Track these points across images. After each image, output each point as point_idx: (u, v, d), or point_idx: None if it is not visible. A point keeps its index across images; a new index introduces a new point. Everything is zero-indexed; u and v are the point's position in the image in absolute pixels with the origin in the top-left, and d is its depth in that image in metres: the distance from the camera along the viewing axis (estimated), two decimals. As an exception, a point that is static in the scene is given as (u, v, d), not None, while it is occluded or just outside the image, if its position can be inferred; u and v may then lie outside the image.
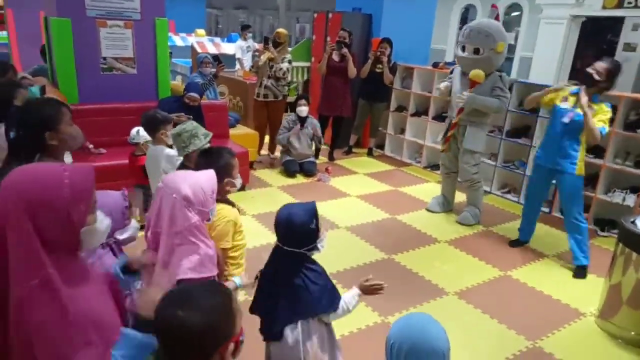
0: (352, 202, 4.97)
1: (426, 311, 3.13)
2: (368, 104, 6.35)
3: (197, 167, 2.15)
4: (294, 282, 1.84)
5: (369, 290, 2.03)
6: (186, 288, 1.18)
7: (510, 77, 4.62)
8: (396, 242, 4.10)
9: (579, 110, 3.45)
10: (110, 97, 4.67)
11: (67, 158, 3.90)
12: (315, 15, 7.03)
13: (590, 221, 4.54)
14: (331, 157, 6.31)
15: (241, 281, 2.07)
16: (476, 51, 4.14)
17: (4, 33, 10.96)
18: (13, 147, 1.92)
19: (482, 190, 4.61)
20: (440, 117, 5.94)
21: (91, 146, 4.36)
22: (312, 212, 1.86)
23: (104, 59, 4.64)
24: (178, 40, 9.53)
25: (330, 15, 6.71)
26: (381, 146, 6.81)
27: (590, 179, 4.52)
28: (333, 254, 3.76)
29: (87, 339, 1.18)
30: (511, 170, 5.26)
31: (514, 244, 4.16)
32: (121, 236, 1.86)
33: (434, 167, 6.11)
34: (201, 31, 10.52)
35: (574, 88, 3.58)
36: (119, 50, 4.71)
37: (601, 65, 3.42)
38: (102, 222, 1.30)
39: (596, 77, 3.40)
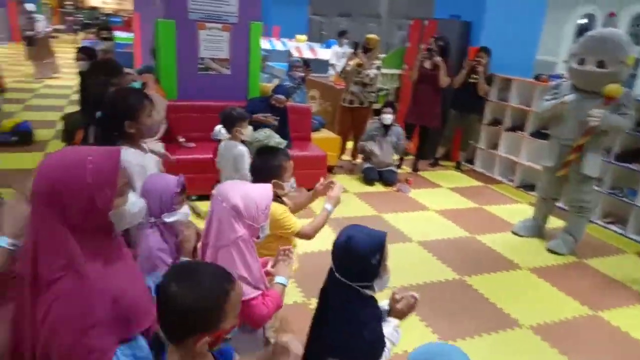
0: (430, 216, 4.74)
1: (494, 343, 2.88)
2: (459, 115, 6.05)
3: (252, 166, 2.18)
4: (342, 316, 1.62)
5: (404, 314, 1.76)
6: (196, 266, 1.23)
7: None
8: (471, 263, 3.82)
9: None
10: (205, 95, 4.94)
11: (158, 146, 4.21)
12: (411, 22, 6.86)
13: None
14: (415, 168, 6.09)
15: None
16: (600, 64, 3.65)
17: (130, 35, 12.20)
18: (98, 130, 2.10)
19: (587, 220, 4.12)
20: (538, 134, 5.46)
21: (182, 139, 4.65)
22: (378, 245, 1.60)
23: (202, 59, 4.93)
24: (278, 44, 9.88)
25: (426, 22, 6.51)
26: (471, 161, 6.44)
27: None
28: (400, 268, 3.62)
29: (107, 322, 1.19)
30: (619, 198, 4.66)
31: None
32: (168, 219, 1.90)
33: (527, 187, 5.63)
34: (302, 37, 10.81)
35: None
36: (216, 52, 4.98)
37: None
38: (134, 204, 1.32)
39: None
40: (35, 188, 1.17)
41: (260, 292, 1.70)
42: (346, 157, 6.12)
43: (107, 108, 2.14)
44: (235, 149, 3.04)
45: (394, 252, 3.81)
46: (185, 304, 1.09)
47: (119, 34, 12.27)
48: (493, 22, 6.21)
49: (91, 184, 1.17)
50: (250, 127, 3.12)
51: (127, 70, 4.53)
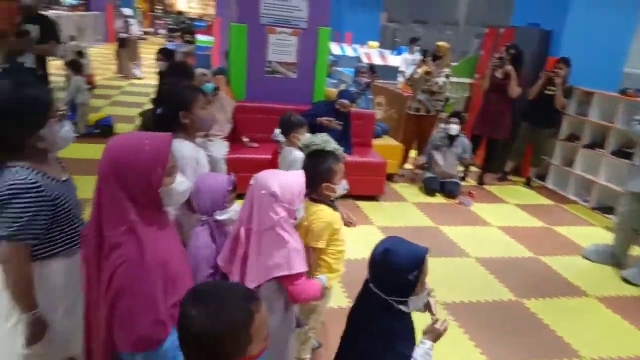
0: (491, 232, 4.53)
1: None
2: (532, 128, 5.72)
3: (303, 168, 2.20)
4: (375, 327, 1.58)
5: (440, 335, 1.67)
6: (221, 287, 1.18)
7: None
8: (532, 286, 3.60)
9: None
10: (271, 98, 5.07)
11: (223, 148, 4.38)
12: (487, 30, 6.61)
13: None
14: (481, 181, 5.85)
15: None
16: None
17: (211, 38, 12.83)
18: (157, 122, 2.25)
19: None
20: (621, 153, 5.04)
21: (246, 139, 4.80)
22: (417, 261, 1.53)
23: (269, 62, 5.07)
24: (349, 50, 9.93)
25: (501, 30, 6.24)
26: (543, 177, 6.07)
27: None
28: (452, 283, 3.51)
29: (159, 281, 1.37)
30: None
31: None
32: (220, 217, 1.97)
33: (605, 209, 5.21)
34: (373, 43, 10.77)
35: None
36: (283, 56, 5.11)
37: None
38: (182, 184, 1.50)
39: None
40: (102, 164, 1.35)
41: (303, 270, 1.79)
42: (408, 165, 6.01)
43: (164, 101, 2.30)
44: (291, 155, 3.09)
45: (447, 266, 3.73)
46: (207, 329, 1.01)
47: (200, 38, 12.92)
48: (575, 31, 5.83)
49: (146, 162, 1.35)
50: (307, 134, 3.15)
51: (203, 71, 4.77)
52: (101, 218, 1.35)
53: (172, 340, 1.34)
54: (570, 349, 2.90)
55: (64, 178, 1.69)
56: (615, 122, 5.12)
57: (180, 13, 20.65)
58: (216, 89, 4.59)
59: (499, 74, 5.50)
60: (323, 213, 2.12)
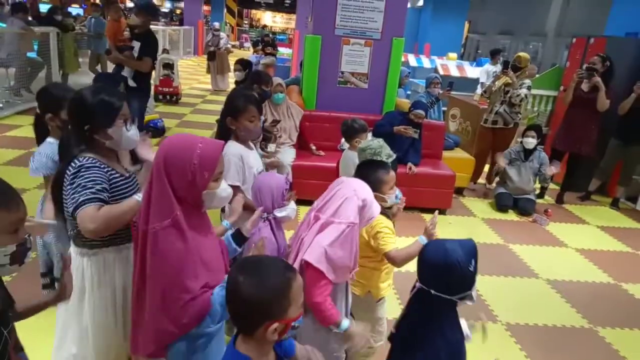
0: (567, 253, 4.23)
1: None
2: (623, 145, 5.27)
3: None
4: (432, 341, 1.61)
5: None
6: (262, 259, 1.30)
7: None
8: (609, 314, 3.31)
9: None
10: (342, 107, 5.15)
11: (290, 154, 4.53)
12: (574, 40, 6.23)
13: None
14: (560, 200, 5.48)
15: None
16: None
17: (290, 50, 13.26)
18: (218, 128, 2.42)
19: None
20: None
21: (313, 147, 4.92)
22: (473, 251, 1.60)
23: (342, 72, 5.17)
24: (426, 61, 9.81)
25: (591, 40, 5.85)
26: (633, 199, 5.55)
27: None
28: (516, 303, 3.35)
29: (196, 272, 1.45)
30: None
31: None
32: (279, 214, 2.07)
33: None
34: (453, 55, 10.55)
35: None
36: (356, 66, 5.18)
37: None
38: (225, 190, 1.56)
39: None
40: (157, 159, 1.46)
41: (330, 277, 1.71)
42: (481, 180, 5.79)
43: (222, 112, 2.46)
44: (352, 160, 3.13)
45: (514, 286, 3.59)
46: (252, 293, 1.15)
47: (282, 50, 13.41)
48: (677, 41, 5.32)
49: (196, 164, 1.43)
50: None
51: (279, 81, 4.97)
52: (149, 209, 1.44)
53: (218, 295, 1.46)
54: (648, 385, 2.64)
55: (127, 174, 1.81)
56: None
57: (264, 27, 21.62)
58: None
59: (585, 87, 5.16)
60: (378, 220, 2.12)
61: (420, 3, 14.76)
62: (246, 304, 1.17)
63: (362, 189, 1.79)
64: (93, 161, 1.68)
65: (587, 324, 3.18)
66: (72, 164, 1.66)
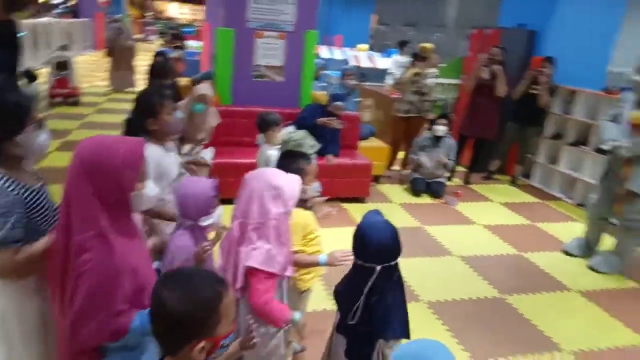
0: (476, 230, 4.58)
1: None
2: (518, 127, 5.80)
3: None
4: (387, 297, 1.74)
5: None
6: (189, 271, 1.23)
7: None
8: (515, 282, 3.65)
9: None
10: (258, 102, 5.09)
11: (208, 153, 4.40)
12: (473, 31, 6.69)
13: None
14: (467, 181, 5.91)
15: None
16: None
17: (201, 43, 12.86)
18: (127, 128, 2.29)
19: (636, 240, 3.85)
20: (603, 150, 5.10)
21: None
22: (391, 228, 1.77)
23: (257, 66, 5.12)
24: (338, 53, 10.00)
25: (487, 31, 6.33)
26: (528, 175, 6.14)
27: None
28: (437, 281, 3.55)
29: (124, 285, 1.37)
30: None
31: None
32: (204, 223, 1.99)
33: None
34: (363, 46, 10.86)
35: None
36: (271, 59, 5.15)
37: None
38: (152, 189, 1.50)
39: None
40: (73, 165, 1.35)
41: (276, 276, 1.74)
42: (396, 167, 6.06)
43: (134, 108, 2.32)
44: (266, 152, 3.13)
45: (432, 266, 3.78)
46: (177, 308, 1.06)
47: (191, 43, 12.91)
48: (561, 31, 5.93)
49: (120, 165, 1.35)
50: (283, 130, 3.19)
51: (204, 91, 4.76)
52: (70, 221, 1.34)
53: (138, 324, 1.38)
54: (551, 342, 2.95)
55: (36, 186, 1.61)
56: (598, 120, 5.19)
57: (170, 19, 20.68)
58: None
59: (485, 75, 5.57)
60: (294, 214, 2.13)
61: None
62: (170, 321, 1.07)
63: (271, 177, 1.76)
64: (1, 184, 1.47)
65: (497, 293, 3.48)
66: None
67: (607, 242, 4.12)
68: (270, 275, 1.72)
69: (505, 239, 4.41)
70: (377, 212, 1.83)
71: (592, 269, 3.91)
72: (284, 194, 1.74)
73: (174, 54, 8.82)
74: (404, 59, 8.70)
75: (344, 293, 1.84)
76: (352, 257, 1.78)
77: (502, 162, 6.14)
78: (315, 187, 2.26)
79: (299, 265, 2.10)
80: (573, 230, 4.66)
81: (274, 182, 1.73)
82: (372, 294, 1.70)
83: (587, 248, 4.13)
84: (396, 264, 1.72)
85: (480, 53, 6.07)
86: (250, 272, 1.71)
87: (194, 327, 1.08)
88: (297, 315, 1.81)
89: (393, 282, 1.74)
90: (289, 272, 1.82)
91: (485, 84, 5.57)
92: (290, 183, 1.79)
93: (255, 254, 1.71)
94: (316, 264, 2.08)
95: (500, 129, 5.82)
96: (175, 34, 11.32)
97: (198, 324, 1.08)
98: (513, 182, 6.07)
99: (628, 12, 6.16)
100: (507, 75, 5.55)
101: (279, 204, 1.73)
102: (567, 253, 4.18)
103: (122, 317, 1.36)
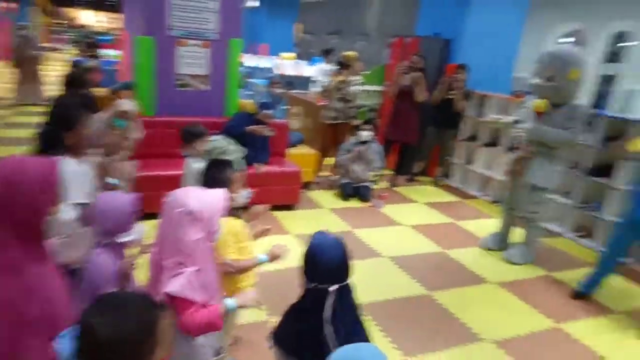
0: (403, 231, 4.77)
1: (456, 357, 2.89)
2: (437, 131, 6.14)
3: (202, 180, 2.21)
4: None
5: None
6: (122, 296, 1.17)
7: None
8: (440, 279, 3.85)
9: None
10: (183, 112, 4.97)
11: (132, 164, 4.22)
12: (393, 39, 6.99)
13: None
14: (393, 184, 6.14)
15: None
16: (550, 78, 3.83)
17: (119, 52, 12.29)
18: (40, 141, 2.15)
19: (540, 230, 4.23)
20: (513, 150, 5.53)
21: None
22: (340, 245, 1.77)
23: (180, 75, 4.99)
24: (263, 62, 10.01)
25: (407, 40, 6.63)
26: (448, 176, 6.50)
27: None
28: (368, 283, 3.64)
29: (38, 319, 1.27)
30: (588, 211, 4.72)
31: (577, 295, 3.70)
32: (123, 239, 1.91)
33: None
34: (288, 54, 10.96)
35: None
36: (195, 68, 5.04)
37: None
38: (68, 213, 1.44)
39: None
40: None
41: (199, 300, 1.65)
42: (326, 172, 6.16)
43: (49, 120, 2.19)
44: (192, 166, 3.06)
45: (362, 268, 3.87)
46: (110, 337, 1.00)
47: (108, 52, 12.34)
48: (472, 40, 6.34)
49: (31, 190, 1.25)
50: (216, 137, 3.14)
51: (126, 108, 4.55)
52: None
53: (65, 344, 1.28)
54: (474, 333, 3.14)
55: None
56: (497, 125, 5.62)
57: (84, 27, 19.59)
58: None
59: (405, 82, 5.84)
60: (225, 224, 2.11)
61: (257, 4, 14.96)
62: (103, 350, 1.00)
63: (188, 201, 1.63)
64: None
65: (424, 290, 3.64)
66: None
67: (518, 234, 4.45)
68: (191, 303, 1.64)
69: (430, 237, 4.63)
70: (323, 232, 1.79)
71: (507, 261, 4.21)
72: (202, 218, 1.64)
73: (90, 63, 8.38)
74: (329, 66, 8.91)
75: (292, 329, 1.77)
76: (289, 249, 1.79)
77: (425, 164, 6.45)
78: (245, 194, 2.25)
79: (241, 271, 2.10)
80: (489, 225, 4.98)
81: (190, 207, 1.61)
82: (334, 317, 1.66)
83: (502, 242, 4.45)
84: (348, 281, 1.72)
85: (402, 61, 6.36)
86: (173, 299, 1.61)
87: (129, 356, 1.02)
88: (230, 303, 1.74)
89: (350, 300, 1.75)
90: (215, 299, 1.73)
91: (406, 90, 5.83)
92: (211, 202, 1.68)
93: (176, 281, 1.62)
94: (257, 264, 2.10)
95: (421, 133, 6.12)
96: (90, 42, 10.74)
97: (131, 351, 1.02)
98: (435, 183, 6.40)
99: (527, 22, 6.76)
100: (426, 81, 5.85)
101: (197, 229, 1.63)
102: (484, 248, 4.47)
103: (44, 352, 1.26)
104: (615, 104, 9.38)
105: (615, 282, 3.86)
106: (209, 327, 1.66)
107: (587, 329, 3.28)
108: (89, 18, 23.63)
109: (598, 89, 9.30)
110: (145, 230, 2.06)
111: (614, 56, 9.66)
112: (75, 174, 2.08)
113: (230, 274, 2.14)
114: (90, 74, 6.03)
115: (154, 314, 1.07)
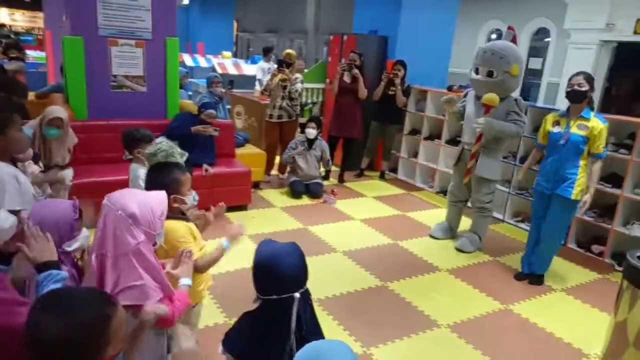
0: (354, 225, 4.83)
1: (414, 344, 2.96)
2: (380, 126, 6.26)
3: (147, 183, 2.11)
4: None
5: None
6: (72, 293, 1.13)
7: (538, 103, 4.44)
8: (393, 269, 3.92)
9: (573, 131, 3.40)
10: (120, 114, 4.73)
11: (68, 174, 3.96)
12: (331, 37, 7.04)
13: (607, 255, 4.24)
14: (341, 180, 6.20)
15: (228, 243, 2.06)
16: (490, 74, 3.98)
17: (43, 54, 11.53)
18: None
19: (489, 219, 4.41)
20: (453, 142, 5.76)
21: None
22: (299, 252, 1.71)
23: (115, 76, 4.74)
24: (202, 61, 9.77)
25: (345, 37, 6.71)
26: (395, 170, 6.66)
27: (608, 210, 4.24)
28: (324, 279, 3.65)
29: None
30: (525, 197, 5.01)
31: (519, 276, 3.91)
32: (69, 248, 1.80)
33: (446, 192, 5.89)
34: (227, 53, 10.75)
35: (562, 111, 3.57)
36: (130, 69, 4.81)
37: (577, 78, 3.40)
38: (6, 220, 1.33)
39: (581, 88, 3.36)
40: None
41: (163, 295, 1.63)
42: (274, 171, 6.11)
43: None
44: (136, 172, 2.92)
45: (318, 264, 3.88)
46: (58, 336, 0.96)
47: (31, 53, 11.58)
48: (407, 37, 6.52)
49: None
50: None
51: (59, 115, 4.25)
52: None
53: None
54: (431, 320, 3.23)
55: None
56: (446, 116, 5.82)
57: (2, 26, 18.16)
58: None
59: (347, 79, 5.90)
60: (172, 225, 1.99)
61: (186, 2, 14.54)
62: (51, 350, 0.96)
63: (127, 203, 1.58)
64: None
65: (379, 282, 3.70)
66: None
67: (466, 223, 4.64)
68: (161, 300, 1.61)
69: (381, 230, 4.71)
70: (270, 241, 1.70)
71: (458, 249, 4.36)
72: (142, 221, 1.58)
73: (12, 65, 7.79)
74: (269, 65, 8.85)
75: (250, 336, 1.66)
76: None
77: (371, 159, 6.56)
78: (193, 196, 2.17)
79: (208, 266, 2.10)
80: (437, 216, 5.17)
81: (129, 210, 1.55)
82: (299, 322, 1.60)
83: (450, 231, 4.62)
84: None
85: (341, 58, 6.42)
86: (135, 307, 1.56)
87: (80, 355, 0.98)
88: (187, 282, 1.81)
89: (310, 300, 1.69)
90: (171, 290, 1.70)
91: (347, 87, 5.90)
92: (151, 204, 1.63)
93: (125, 291, 1.55)
94: (222, 253, 2.09)
95: (365, 128, 6.22)
96: (11, 43, 9.99)
97: (81, 350, 0.98)
98: (382, 177, 6.53)
99: (459, 19, 7.05)
100: (366, 78, 5.94)
101: (138, 232, 1.57)
102: (433, 237, 4.62)
103: None
104: (539, 95, 10.05)
105: (554, 263, 4.11)
106: (186, 307, 1.73)
107: (532, 308, 3.48)
108: (2, 16, 21.87)
109: (523, 82, 9.92)
110: (88, 236, 1.94)
111: (536, 51, 10.35)
112: (9, 177, 1.92)
113: (199, 273, 2.10)
114: (14, 76, 5.61)
115: (105, 311, 1.05)
